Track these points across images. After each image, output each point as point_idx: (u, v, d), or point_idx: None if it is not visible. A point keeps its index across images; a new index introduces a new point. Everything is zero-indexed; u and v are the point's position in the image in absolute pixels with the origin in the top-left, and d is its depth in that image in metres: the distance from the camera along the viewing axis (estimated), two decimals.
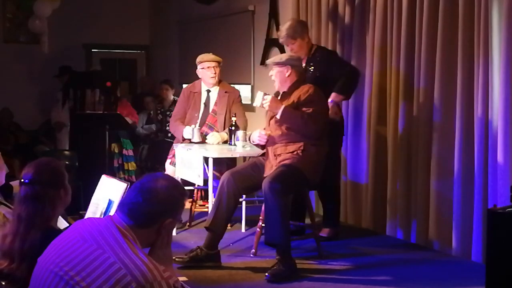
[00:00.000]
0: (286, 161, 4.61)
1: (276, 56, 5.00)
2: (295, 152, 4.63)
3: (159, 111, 8.17)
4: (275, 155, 4.71)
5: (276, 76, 4.80)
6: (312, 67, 5.34)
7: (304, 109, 4.67)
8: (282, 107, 4.68)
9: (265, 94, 4.79)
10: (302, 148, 4.64)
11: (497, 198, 4.52)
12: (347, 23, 6.18)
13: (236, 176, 4.73)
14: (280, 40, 5.50)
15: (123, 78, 10.24)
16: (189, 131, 5.62)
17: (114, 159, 7.48)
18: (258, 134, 4.87)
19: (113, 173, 6.74)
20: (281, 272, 4.42)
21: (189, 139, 5.64)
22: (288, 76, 4.77)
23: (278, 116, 4.72)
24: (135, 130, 8.23)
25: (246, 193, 5.35)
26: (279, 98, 4.84)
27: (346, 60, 5.65)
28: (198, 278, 4.39)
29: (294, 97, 4.74)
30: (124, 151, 7.57)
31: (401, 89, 5.53)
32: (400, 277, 4.51)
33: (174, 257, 4.72)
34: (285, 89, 4.84)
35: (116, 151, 7.49)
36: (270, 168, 4.67)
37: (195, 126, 5.63)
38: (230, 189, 4.68)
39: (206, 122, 5.75)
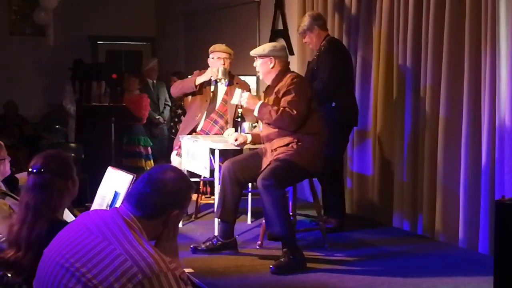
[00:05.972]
0: (280, 155, 4.55)
1: (259, 47, 4.90)
2: (290, 145, 4.57)
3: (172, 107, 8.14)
4: (272, 150, 4.65)
5: (260, 68, 4.74)
6: (314, 59, 5.47)
7: (282, 102, 4.59)
8: (259, 104, 4.64)
9: (243, 91, 4.81)
10: (296, 139, 4.57)
11: (505, 189, 4.50)
12: (354, 14, 6.15)
13: (236, 164, 4.76)
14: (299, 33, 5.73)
15: (128, 70, 10.23)
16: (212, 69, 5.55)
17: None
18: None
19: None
20: (287, 263, 4.41)
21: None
22: (272, 67, 4.68)
23: (255, 114, 4.69)
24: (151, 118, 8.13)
25: (249, 181, 5.29)
26: (265, 91, 4.80)
27: (331, 68, 5.31)
28: (204, 269, 4.39)
29: (277, 91, 4.66)
30: (143, 149, 7.49)
31: (407, 81, 5.51)
32: (406, 269, 4.49)
33: (190, 245, 4.78)
34: (269, 81, 4.77)
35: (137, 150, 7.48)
36: (266, 164, 4.64)
37: (221, 67, 5.55)
38: (232, 176, 4.72)
39: (216, 110, 5.71)
